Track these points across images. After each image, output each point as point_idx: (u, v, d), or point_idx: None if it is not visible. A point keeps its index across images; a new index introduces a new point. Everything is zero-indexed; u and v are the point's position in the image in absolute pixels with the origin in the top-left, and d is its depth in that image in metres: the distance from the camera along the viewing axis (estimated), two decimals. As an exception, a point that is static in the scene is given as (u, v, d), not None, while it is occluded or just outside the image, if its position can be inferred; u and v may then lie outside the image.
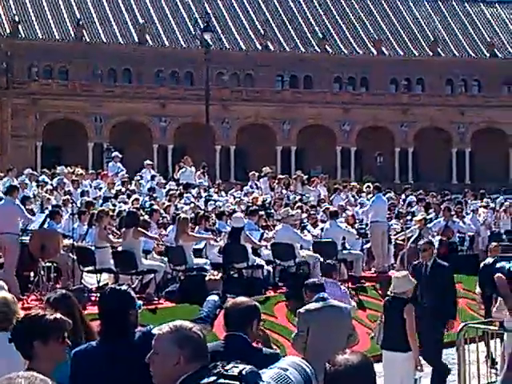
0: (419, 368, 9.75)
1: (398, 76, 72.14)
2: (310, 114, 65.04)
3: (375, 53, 72.64)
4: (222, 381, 2.55)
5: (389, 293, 10.12)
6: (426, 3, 78.64)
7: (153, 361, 3.54)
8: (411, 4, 78.20)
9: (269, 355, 5.46)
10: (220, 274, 6.69)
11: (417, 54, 73.48)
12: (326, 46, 71.97)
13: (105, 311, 5.09)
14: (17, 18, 64.82)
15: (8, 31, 63.94)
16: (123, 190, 23.09)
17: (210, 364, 2.78)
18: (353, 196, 25.21)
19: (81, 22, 66.43)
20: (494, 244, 15.50)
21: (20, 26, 64.70)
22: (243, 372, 2.57)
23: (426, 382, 11.02)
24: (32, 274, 15.33)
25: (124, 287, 5.10)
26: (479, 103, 67.98)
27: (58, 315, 4.46)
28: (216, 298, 5.96)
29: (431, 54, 73.63)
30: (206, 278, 6.34)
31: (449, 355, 12.57)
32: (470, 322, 11.50)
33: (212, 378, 2.55)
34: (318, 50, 71.61)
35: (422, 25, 76.32)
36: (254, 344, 5.46)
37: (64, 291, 6.30)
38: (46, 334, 4.36)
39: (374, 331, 10.40)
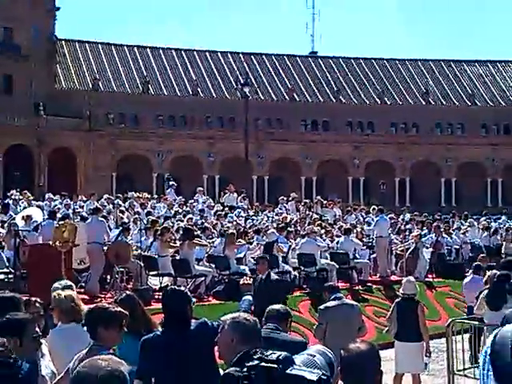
0: (428, 354, 9.71)
1: (397, 120, 71.81)
2: (328, 151, 64.99)
3: (379, 102, 72.44)
4: (263, 364, 2.57)
5: (400, 294, 10.11)
6: (419, 62, 78.43)
7: (218, 339, 3.74)
8: (407, 63, 78.00)
9: (297, 342, 5.48)
10: (251, 280, 6.75)
11: (412, 103, 73.14)
12: (340, 97, 71.93)
13: (167, 306, 5.14)
14: (97, 76, 65.58)
15: (90, 86, 64.67)
16: (180, 210, 23.18)
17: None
18: (362, 216, 25.10)
19: (147, 78, 67.03)
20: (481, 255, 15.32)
21: (100, 83, 65.41)
22: (280, 357, 2.60)
23: (432, 365, 10.92)
24: (108, 277, 15.44)
25: (182, 288, 5.16)
26: (463, 142, 67.46)
27: (118, 308, 4.57)
28: (250, 297, 6.03)
29: (424, 102, 73.29)
30: (241, 282, 6.40)
31: (439, 344, 12.46)
32: (457, 318, 11.42)
33: (255, 362, 2.58)
34: (334, 100, 71.56)
35: (416, 79, 76.06)
36: None
37: (128, 293, 6.35)
38: (107, 322, 4.47)
39: (388, 326, 10.33)
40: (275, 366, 2.57)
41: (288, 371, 2.68)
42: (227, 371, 3.00)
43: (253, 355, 2.74)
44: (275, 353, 2.64)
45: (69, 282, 6.56)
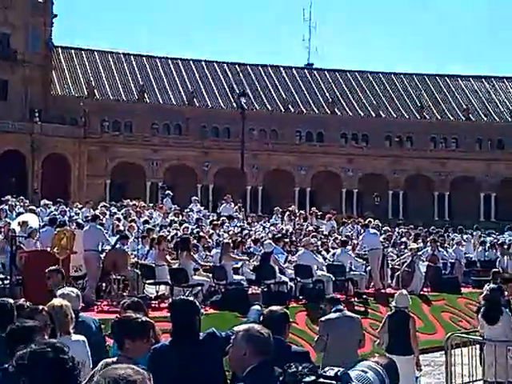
0: (419, 368, 9.67)
1: (391, 133, 72.06)
2: (322, 163, 65.14)
3: (374, 115, 72.64)
4: (321, 380, 2.53)
5: (392, 307, 10.07)
6: (415, 76, 78.70)
7: (230, 351, 3.66)
8: (403, 78, 78.29)
9: (299, 352, 5.45)
10: (260, 289, 6.69)
11: (407, 117, 73.40)
12: (335, 109, 72.11)
13: (176, 317, 5.09)
14: (93, 83, 65.56)
15: (86, 93, 64.63)
16: (176, 219, 23.13)
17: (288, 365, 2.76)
18: (358, 229, 25.06)
19: (143, 87, 67.02)
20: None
21: (95, 90, 65.39)
22: (338, 373, 2.56)
23: (424, 379, 10.90)
24: (104, 284, 15.37)
25: (191, 298, 5.13)
26: (457, 156, 67.69)
27: (145, 318, 4.50)
28: (258, 307, 5.97)
29: (418, 117, 73.55)
30: (249, 292, 6.35)
31: (435, 358, 12.45)
32: (456, 332, 11.42)
33: (312, 378, 2.54)
34: (328, 112, 71.73)
35: (411, 94, 76.34)
36: None
37: (135, 298, 6.32)
38: (134, 334, 4.40)
39: (379, 338, 10.29)
40: (334, 382, 2.52)
41: None
42: None
43: (287, 369, 2.71)
44: (333, 369, 2.61)
45: (77, 291, 6.53)
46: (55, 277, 8.33)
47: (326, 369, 2.58)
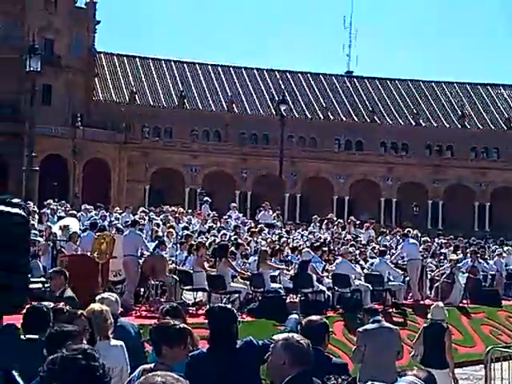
0: (455, 382, 9.52)
1: (431, 142, 71.41)
2: (361, 171, 64.84)
3: (414, 123, 72.08)
4: None
5: (428, 319, 9.97)
6: (455, 85, 77.89)
7: (269, 360, 3.64)
8: (444, 86, 77.56)
9: (338, 364, 5.41)
10: (297, 298, 6.65)
11: (447, 126, 72.70)
12: (375, 117, 71.75)
13: (214, 324, 5.09)
14: (134, 89, 66.24)
15: (128, 99, 65.32)
16: (214, 226, 23.17)
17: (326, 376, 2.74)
18: (396, 238, 24.83)
19: (183, 93, 67.54)
20: None
21: (137, 96, 66.04)
22: None
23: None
24: (142, 289, 15.46)
25: (229, 305, 5.12)
26: (498, 167, 66.83)
27: (183, 325, 4.50)
28: (296, 316, 5.94)
29: (459, 126, 72.78)
30: (287, 301, 6.32)
31: (473, 372, 12.27)
32: (496, 346, 11.24)
33: None
34: (368, 120, 71.40)
35: (452, 102, 75.58)
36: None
37: (174, 304, 6.34)
38: (172, 341, 4.41)
39: (414, 350, 10.18)
40: None
41: None
42: None
43: (326, 381, 2.70)
44: (374, 383, 2.59)
45: (116, 296, 6.58)
46: (58, 279, 8.37)
47: (369, 383, 2.55)
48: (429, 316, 10.01)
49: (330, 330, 14.00)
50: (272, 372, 3.72)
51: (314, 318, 5.49)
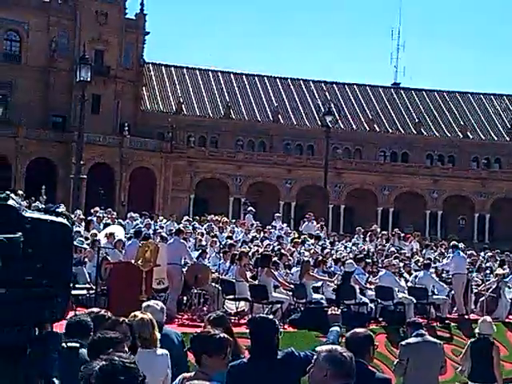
0: None
1: (479, 155, 70.47)
2: (406, 183, 64.30)
3: (461, 136, 71.24)
4: None
5: (476, 333, 9.81)
6: (505, 98, 76.57)
7: (311, 371, 3.60)
8: (492, 98, 76.50)
9: (381, 379, 5.35)
10: (340, 310, 6.59)
11: (496, 139, 71.68)
12: (421, 129, 71.11)
13: (255, 334, 5.07)
14: (181, 99, 66.84)
15: (174, 109, 65.95)
16: (257, 236, 23.14)
17: None
18: (441, 252, 24.52)
19: (229, 103, 67.90)
20: None
21: (183, 106, 66.63)
22: None
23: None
24: (185, 298, 15.52)
25: (270, 316, 5.11)
26: (547, 180, 65.60)
27: (223, 335, 4.50)
28: (338, 328, 5.88)
29: (508, 139, 71.69)
30: (329, 312, 6.25)
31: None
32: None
33: None
34: (415, 132, 70.79)
35: (501, 115, 74.48)
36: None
37: (220, 313, 6.34)
38: (211, 351, 4.41)
39: (461, 365, 10.02)
40: None
41: None
42: None
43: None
44: None
45: (161, 304, 6.60)
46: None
47: None
48: (476, 330, 9.86)
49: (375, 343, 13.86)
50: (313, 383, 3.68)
51: (358, 330, 5.43)
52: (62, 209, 2.53)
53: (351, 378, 3.52)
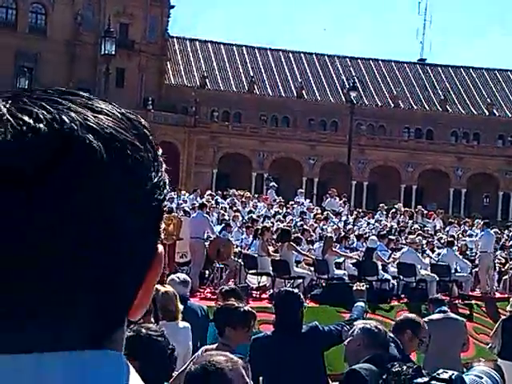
0: None
1: (505, 133, 69.67)
2: (430, 160, 63.79)
3: (487, 113, 70.46)
4: (434, 382, 2.47)
5: (508, 311, 9.79)
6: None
7: (347, 341, 3.80)
8: (520, 75, 75.56)
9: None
10: (365, 285, 6.60)
11: (522, 116, 70.90)
12: (447, 106, 70.42)
13: (280, 308, 5.09)
14: (205, 74, 66.72)
15: (198, 83, 65.87)
16: (280, 211, 23.16)
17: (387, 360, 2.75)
18: (464, 229, 24.41)
19: (253, 78, 67.65)
20: None
21: (207, 80, 66.52)
22: (452, 377, 2.49)
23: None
24: (207, 272, 15.61)
25: (295, 290, 5.12)
26: None
27: (248, 308, 4.52)
28: (363, 304, 5.90)
29: (535, 116, 70.88)
30: (354, 288, 6.26)
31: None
32: None
33: (425, 379, 2.49)
34: (440, 109, 70.12)
35: (528, 92, 73.56)
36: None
37: (233, 286, 6.37)
38: (236, 323, 4.44)
39: (491, 342, 9.99)
40: None
41: None
42: (355, 367, 3.00)
43: (390, 368, 2.68)
44: (447, 372, 2.55)
45: (187, 278, 6.63)
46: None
47: (440, 371, 2.52)
48: (508, 308, 9.83)
49: (393, 318, 13.85)
50: (348, 354, 3.88)
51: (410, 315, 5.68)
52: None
53: (384, 349, 3.61)
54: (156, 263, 0.65)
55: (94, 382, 0.59)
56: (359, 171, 61.62)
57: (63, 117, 0.59)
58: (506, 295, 16.64)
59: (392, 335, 5.20)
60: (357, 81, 60.93)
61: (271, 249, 15.29)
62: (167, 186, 0.68)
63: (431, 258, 17.95)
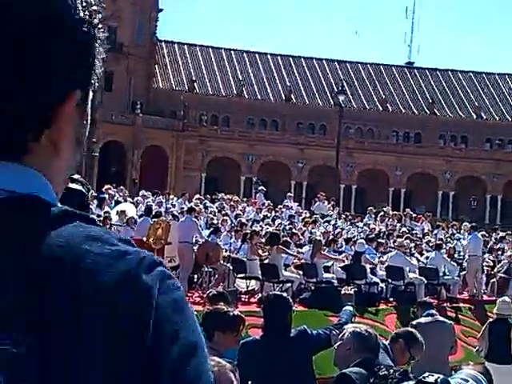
0: None
1: (492, 136, 69.99)
2: (418, 164, 63.98)
3: (474, 116, 70.79)
4: None
5: (494, 314, 9.84)
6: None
7: (337, 345, 3.80)
8: (507, 78, 75.88)
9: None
10: (353, 289, 6.61)
11: (509, 119, 71.13)
12: (434, 109, 70.69)
13: (269, 312, 5.09)
14: (194, 78, 66.68)
15: (186, 87, 65.82)
16: (269, 215, 23.17)
17: (375, 366, 2.76)
18: (452, 233, 24.53)
19: (242, 82, 67.68)
20: None
21: (196, 84, 66.47)
22: (438, 380, 2.50)
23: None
24: (196, 276, 15.59)
25: (284, 294, 5.13)
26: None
27: (237, 312, 4.51)
28: (351, 308, 5.92)
29: (521, 119, 71.26)
30: (342, 292, 6.27)
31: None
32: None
33: (412, 383, 2.51)
34: (428, 112, 70.38)
35: (515, 96, 73.98)
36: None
37: (221, 290, 6.36)
38: (225, 328, 4.43)
39: (478, 345, 10.04)
40: None
41: None
42: (345, 371, 3.01)
43: (377, 372, 2.69)
44: (433, 375, 2.57)
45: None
46: None
47: (426, 374, 2.54)
48: (494, 311, 9.88)
49: (381, 322, 13.84)
50: (338, 358, 3.87)
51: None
52: (77, 176, 2.53)
53: (374, 354, 3.61)
54: (68, 107, 0.67)
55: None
56: (348, 174, 61.73)
57: None
58: (494, 298, 16.71)
59: (386, 343, 5.25)
60: (345, 84, 61.18)
61: (261, 252, 15.30)
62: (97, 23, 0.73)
63: (420, 261, 18.02)
